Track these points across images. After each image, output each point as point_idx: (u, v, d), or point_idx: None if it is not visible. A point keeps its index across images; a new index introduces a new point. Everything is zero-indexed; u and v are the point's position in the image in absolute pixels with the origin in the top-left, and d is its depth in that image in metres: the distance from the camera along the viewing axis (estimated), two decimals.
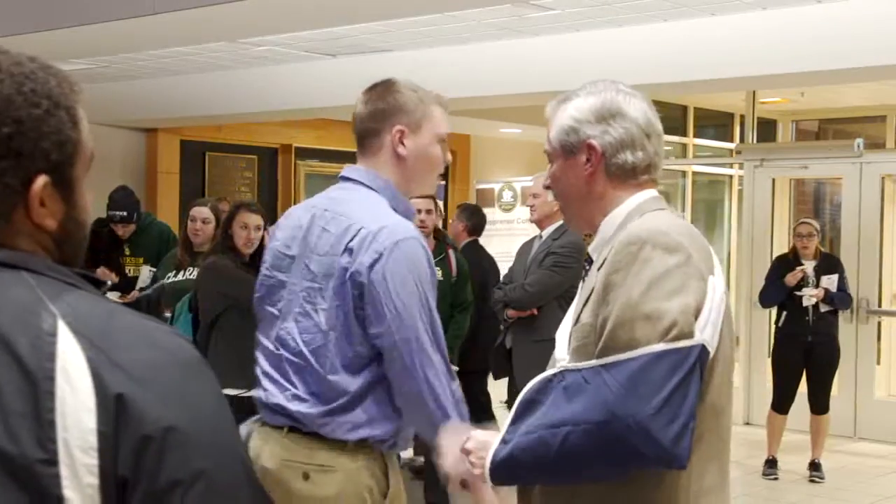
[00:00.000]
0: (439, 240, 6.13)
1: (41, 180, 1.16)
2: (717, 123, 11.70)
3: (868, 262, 8.37)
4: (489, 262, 6.68)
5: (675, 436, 1.69)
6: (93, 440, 1.06)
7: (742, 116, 10.30)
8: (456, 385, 2.45)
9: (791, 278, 6.96)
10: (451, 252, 6.13)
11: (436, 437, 2.22)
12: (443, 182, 11.66)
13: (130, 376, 1.08)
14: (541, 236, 5.48)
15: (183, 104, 9.28)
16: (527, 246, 5.65)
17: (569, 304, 2.12)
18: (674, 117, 10.88)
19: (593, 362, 1.78)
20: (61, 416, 1.06)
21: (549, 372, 1.88)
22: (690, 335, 1.75)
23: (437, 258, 5.81)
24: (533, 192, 5.44)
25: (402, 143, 2.51)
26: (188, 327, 5.34)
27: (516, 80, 7.36)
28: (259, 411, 2.56)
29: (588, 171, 1.98)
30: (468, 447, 1.94)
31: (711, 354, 1.80)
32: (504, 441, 1.84)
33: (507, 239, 9.95)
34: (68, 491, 1.05)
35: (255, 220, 5.25)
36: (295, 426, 2.47)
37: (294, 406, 2.45)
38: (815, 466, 7.07)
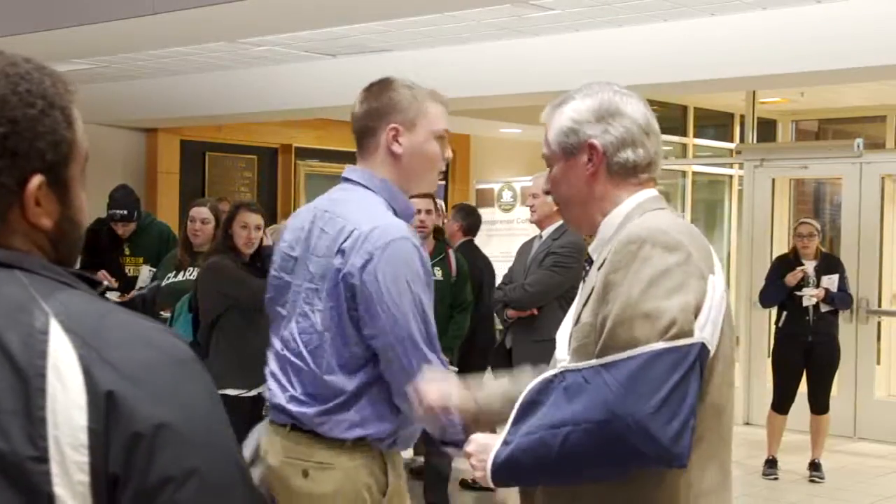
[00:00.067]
0: (439, 240, 6.13)
1: (36, 180, 1.17)
2: (717, 123, 11.69)
3: (868, 262, 8.37)
4: (484, 263, 6.68)
5: (674, 434, 1.69)
6: (83, 437, 1.06)
7: (742, 116, 10.30)
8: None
9: (791, 278, 6.96)
10: (450, 252, 6.13)
11: (439, 433, 2.24)
12: (443, 182, 11.67)
13: (122, 374, 1.08)
14: (541, 236, 5.48)
15: (183, 104, 9.28)
16: (527, 246, 5.65)
17: (569, 305, 2.12)
18: (674, 117, 10.87)
19: (593, 362, 1.78)
20: (52, 413, 1.06)
21: (549, 373, 1.88)
22: (690, 333, 1.75)
23: (436, 258, 5.82)
24: (532, 192, 5.45)
25: (397, 142, 2.51)
26: (188, 327, 5.34)
27: (516, 80, 7.36)
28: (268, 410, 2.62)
29: (590, 171, 1.98)
30: (469, 449, 1.94)
31: (711, 353, 1.80)
32: (505, 442, 1.84)
33: (507, 239, 9.95)
34: (59, 488, 1.05)
35: (256, 219, 5.26)
36: (296, 424, 2.50)
37: (292, 407, 2.49)
38: (815, 466, 7.08)
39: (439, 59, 7.50)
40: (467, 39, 7.30)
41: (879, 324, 8.79)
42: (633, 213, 1.95)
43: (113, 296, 6.29)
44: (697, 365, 1.75)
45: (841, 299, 7.06)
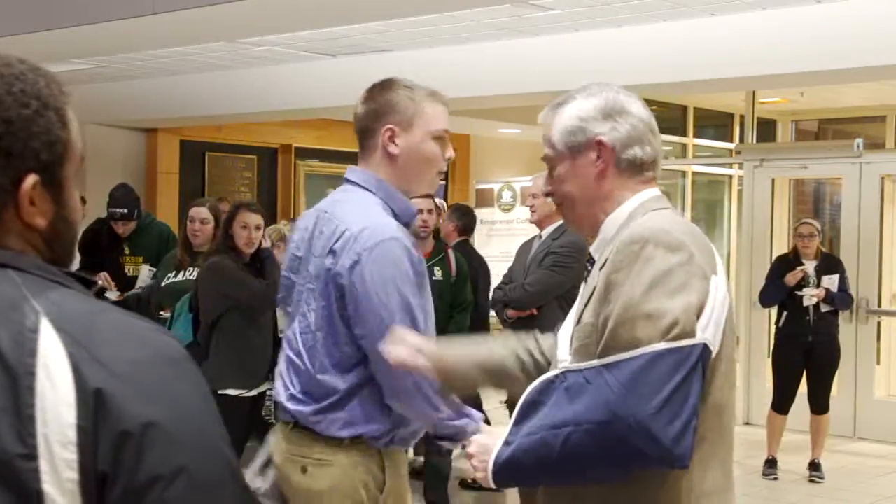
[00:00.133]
0: (438, 240, 6.13)
1: (31, 179, 1.18)
2: (716, 123, 11.69)
3: (868, 262, 8.37)
4: (479, 263, 6.69)
5: (676, 435, 1.68)
6: (72, 435, 1.06)
7: (742, 116, 10.30)
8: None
9: (791, 278, 6.96)
10: (450, 252, 6.13)
11: (432, 430, 2.32)
12: (443, 182, 11.67)
13: (112, 372, 1.09)
14: (540, 236, 5.48)
15: (183, 104, 9.28)
16: (526, 246, 5.65)
17: (569, 305, 2.12)
18: (674, 117, 10.87)
19: (594, 362, 1.78)
20: (41, 411, 1.07)
21: (551, 373, 1.88)
22: (692, 334, 1.74)
23: (436, 258, 5.82)
24: (532, 192, 5.44)
25: (394, 142, 2.53)
26: (188, 327, 5.34)
27: (516, 80, 7.37)
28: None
29: (599, 168, 1.97)
30: (470, 450, 1.94)
31: (714, 353, 1.80)
32: (507, 443, 1.84)
33: (506, 239, 9.95)
34: (48, 486, 1.06)
35: (256, 219, 5.26)
36: (297, 422, 2.55)
37: (291, 405, 2.55)
38: (814, 466, 7.07)
39: (439, 59, 7.51)
40: (467, 39, 7.31)
41: (879, 324, 8.78)
42: (636, 213, 1.94)
43: (112, 296, 6.29)
44: (699, 366, 1.74)
45: (841, 299, 7.06)
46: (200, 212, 5.83)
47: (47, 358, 1.08)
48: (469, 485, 6.41)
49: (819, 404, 7.07)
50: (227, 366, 5.17)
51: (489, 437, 1.92)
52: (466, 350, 2.28)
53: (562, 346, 1.98)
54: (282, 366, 2.64)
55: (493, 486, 1.91)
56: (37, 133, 1.18)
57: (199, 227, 5.78)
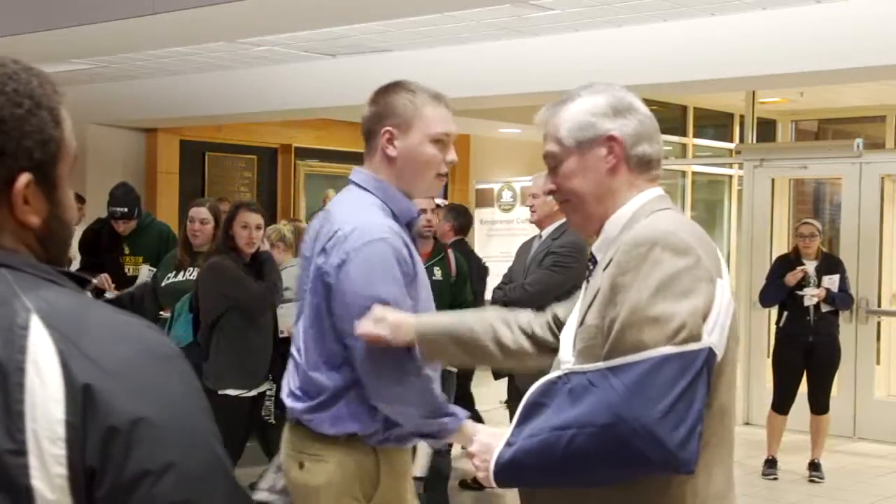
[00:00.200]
0: (438, 240, 6.13)
1: (24, 178, 1.18)
2: (716, 123, 11.70)
3: (868, 262, 8.37)
4: (475, 262, 6.71)
5: (681, 440, 1.67)
6: (60, 431, 1.07)
7: (742, 116, 10.30)
8: (426, 380, 2.46)
9: (791, 278, 6.96)
10: (450, 252, 6.13)
11: (414, 429, 2.41)
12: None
13: (101, 368, 1.09)
14: (540, 236, 5.47)
15: (182, 104, 9.28)
16: (526, 246, 5.64)
17: None
18: (674, 117, 10.88)
19: (599, 364, 1.77)
20: (31, 407, 1.07)
21: (553, 374, 1.87)
22: (698, 338, 1.73)
23: (435, 258, 5.82)
24: (532, 192, 5.44)
25: (392, 144, 2.57)
26: (188, 327, 5.34)
27: (516, 80, 7.36)
28: None
29: (610, 164, 1.96)
30: (472, 450, 1.94)
31: (719, 358, 1.79)
32: (508, 443, 1.84)
33: (506, 239, 9.95)
34: (37, 482, 1.06)
35: (256, 219, 5.26)
36: (297, 419, 2.60)
37: (289, 402, 2.61)
38: (814, 466, 7.07)
39: (439, 59, 7.50)
40: (467, 39, 7.30)
41: (879, 324, 8.78)
42: (640, 213, 1.93)
43: (109, 296, 6.31)
44: (705, 370, 1.73)
45: (842, 299, 7.06)
46: (200, 212, 5.83)
47: (37, 354, 1.09)
48: (469, 485, 6.41)
49: (819, 404, 7.08)
50: (227, 366, 5.17)
51: (491, 437, 1.91)
52: (445, 324, 2.32)
53: (564, 347, 1.97)
54: (289, 363, 2.69)
55: (494, 486, 1.90)
56: (30, 132, 1.18)
57: (198, 227, 5.78)
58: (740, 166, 9.56)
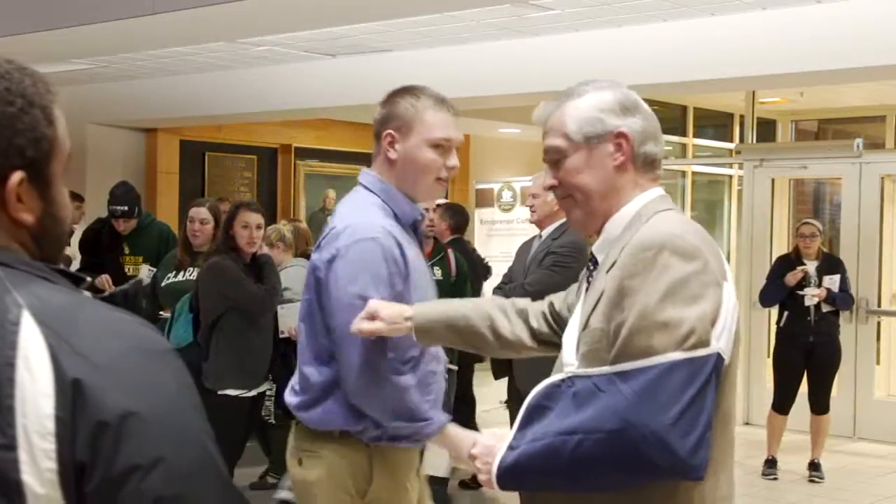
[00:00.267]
0: (437, 239, 6.14)
1: (17, 176, 1.19)
2: (716, 123, 11.70)
3: (868, 262, 8.37)
4: (477, 260, 6.74)
5: (691, 447, 1.66)
6: (50, 425, 1.08)
7: (742, 116, 10.30)
8: (403, 383, 2.47)
9: (791, 278, 6.96)
10: (450, 252, 6.14)
11: (392, 431, 2.46)
12: None
13: (91, 363, 1.10)
14: (540, 236, 5.47)
15: (182, 104, 9.28)
16: (526, 245, 5.64)
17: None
18: (674, 117, 10.88)
19: (605, 369, 1.75)
20: (20, 402, 1.08)
21: (556, 377, 1.85)
22: (707, 343, 1.72)
23: (435, 258, 5.84)
24: (532, 192, 5.44)
25: (393, 147, 2.61)
26: (188, 327, 5.34)
27: (516, 80, 7.36)
28: None
29: (618, 161, 1.95)
30: (474, 453, 1.92)
31: (727, 362, 1.77)
32: (511, 447, 1.82)
33: (506, 239, 9.96)
34: (27, 476, 1.07)
35: (256, 218, 5.26)
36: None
37: (288, 397, 2.65)
38: (814, 466, 7.07)
39: (439, 59, 7.50)
40: (467, 39, 7.30)
41: (879, 324, 8.78)
42: (643, 212, 1.92)
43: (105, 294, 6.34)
44: (714, 376, 1.72)
45: (842, 299, 7.06)
46: (200, 212, 5.83)
47: (27, 350, 1.10)
48: (469, 485, 6.41)
49: (819, 404, 7.07)
50: (227, 366, 5.17)
51: (493, 440, 1.89)
52: (442, 313, 2.31)
53: (567, 350, 1.94)
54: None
55: (496, 489, 1.89)
56: (22, 130, 1.19)
57: (198, 227, 5.78)
58: (740, 166, 9.56)
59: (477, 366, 6.90)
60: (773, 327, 7.64)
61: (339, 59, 8.08)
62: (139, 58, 8.07)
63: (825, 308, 7.00)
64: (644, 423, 1.66)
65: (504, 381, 5.66)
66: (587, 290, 1.97)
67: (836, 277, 7.03)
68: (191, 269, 5.71)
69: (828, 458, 7.25)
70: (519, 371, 5.25)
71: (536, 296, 5.48)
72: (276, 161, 11.56)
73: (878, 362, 8.73)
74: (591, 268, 1.98)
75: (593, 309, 1.87)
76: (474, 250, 7.62)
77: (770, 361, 7.60)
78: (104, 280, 6.56)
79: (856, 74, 6.72)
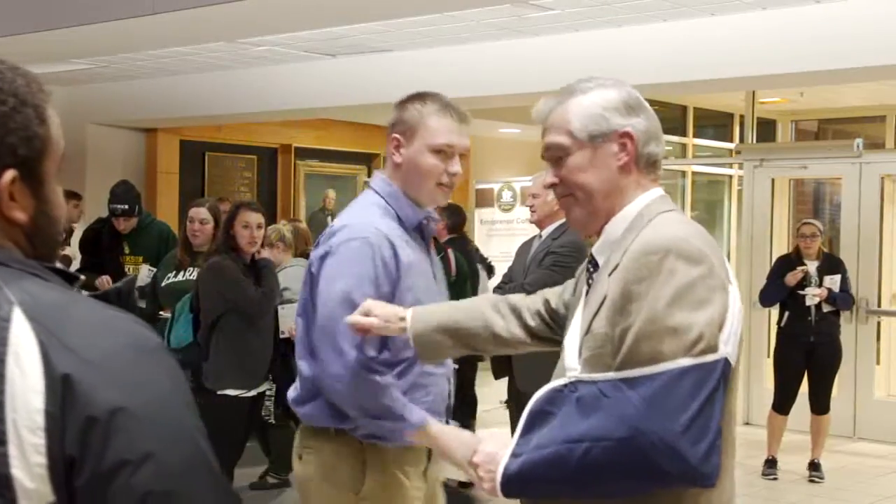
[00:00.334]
0: (436, 239, 6.14)
1: (9, 174, 1.20)
2: (716, 123, 11.70)
3: (868, 262, 8.37)
4: (479, 259, 6.76)
5: (703, 454, 1.64)
6: (40, 420, 1.08)
7: (742, 116, 10.30)
8: (379, 382, 2.47)
9: (791, 278, 6.96)
10: (450, 252, 6.14)
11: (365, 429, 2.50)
12: None
13: (81, 358, 1.10)
14: (540, 236, 5.47)
15: (182, 104, 9.28)
16: (526, 245, 5.64)
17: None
18: (674, 117, 10.88)
19: (611, 375, 1.72)
20: (10, 397, 1.09)
21: (559, 381, 1.83)
22: (715, 349, 1.70)
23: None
24: (532, 192, 5.44)
25: (398, 151, 2.65)
26: (188, 327, 5.34)
27: (516, 80, 7.36)
28: None
29: (622, 161, 1.91)
30: (476, 460, 1.89)
31: (733, 366, 1.76)
32: (514, 454, 1.79)
33: (506, 239, 9.96)
34: (17, 470, 1.08)
35: (257, 218, 5.26)
36: None
37: (288, 393, 2.69)
38: (814, 466, 7.07)
39: (439, 59, 7.50)
40: (467, 39, 7.30)
41: (879, 324, 8.78)
42: (645, 213, 1.89)
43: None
44: (722, 382, 1.70)
45: (843, 299, 7.06)
46: (200, 212, 5.83)
47: (18, 346, 1.10)
48: (467, 485, 6.40)
49: (820, 404, 7.07)
50: (227, 366, 5.17)
51: (495, 446, 1.86)
52: (437, 316, 2.29)
53: (569, 354, 1.91)
54: None
55: (500, 496, 1.85)
56: (14, 129, 1.20)
57: (198, 227, 5.78)
58: (740, 166, 9.56)
59: (478, 365, 6.90)
60: (774, 327, 7.64)
61: (339, 59, 8.08)
62: (139, 58, 8.07)
63: (826, 308, 6.99)
64: (653, 430, 1.63)
65: (504, 381, 5.66)
66: (588, 292, 1.94)
67: (837, 277, 7.03)
68: (191, 269, 5.72)
69: (828, 458, 7.25)
70: (519, 371, 5.25)
71: None
72: (276, 161, 11.56)
73: (878, 362, 8.73)
74: (591, 270, 1.96)
75: (596, 313, 1.84)
76: (477, 249, 7.64)
77: (770, 361, 7.60)
78: (104, 281, 6.56)
79: (856, 74, 6.72)
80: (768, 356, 7.87)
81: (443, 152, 2.62)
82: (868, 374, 8.39)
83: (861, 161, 8.42)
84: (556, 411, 1.78)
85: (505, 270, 5.89)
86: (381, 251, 2.52)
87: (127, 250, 6.94)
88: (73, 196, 8.26)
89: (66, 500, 1.09)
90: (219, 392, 5.11)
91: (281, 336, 5.56)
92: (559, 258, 5.26)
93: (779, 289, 7.08)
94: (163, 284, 5.84)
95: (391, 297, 2.49)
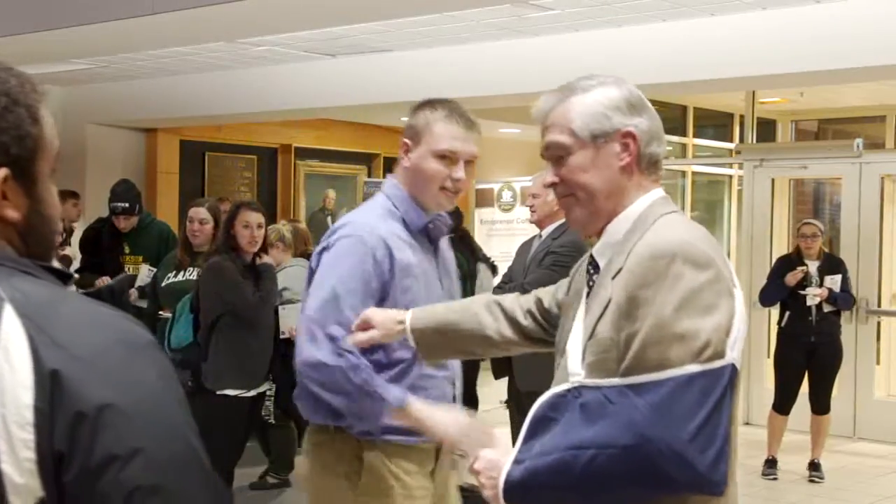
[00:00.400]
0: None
1: (1, 173, 1.20)
2: (716, 123, 11.69)
3: (868, 262, 8.37)
4: (481, 258, 6.77)
5: (711, 462, 1.63)
6: (29, 416, 1.09)
7: (742, 116, 10.30)
8: (349, 358, 2.49)
9: (791, 278, 6.96)
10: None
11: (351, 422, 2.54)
12: None
13: (70, 355, 1.11)
14: (540, 235, 5.47)
15: (182, 104, 9.28)
16: (526, 245, 5.64)
17: None
18: (674, 117, 10.87)
19: (616, 381, 1.70)
20: (0, 392, 1.09)
21: (562, 387, 1.80)
22: (723, 355, 1.68)
23: None
24: (532, 192, 5.44)
25: (406, 156, 2.71)
26: (188, 327, 5.33)
27: (516, 80, 7.36)
28: None
29: (624, 162, 1.88)
30: (477, 467, 1.85)
31: (739, 371, 1.74)
32: (517, 461, 1.76)
33: (506, 239, 9.96)
34: (6, 465, 1.08)
35: (257, 218, 5.26)
36: None
37: (295, 392, 2.71)
38: (814, 466, 7.07)
39: (439, 59, 7.50)
40: (467, 39, 7.30)
41: (879, 324, 8.78)
42: (646, 215, 1.86)
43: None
44: (729, 388, 1.68)
45: (843, 299, 7.06)
46: (200, 212, 5.83)
47: (8, 342, 1.11)
48: (464, 489, 6.40)
49: (820, 404, 7.07)
50: (226, 366, 5.17)
51: (497, 452, 1.84)
52: (433, 317, 2.29)
53: (572, 359, 1.87)
54: None
55: (502, 502, 1.81)
56: (5, 128, 1.20)
57: (198, 227, 5.78)
58: (740, 166, 9.56)
59: (479, 365, 6.90)
60: (774, 327, 7.64)
61: (339, 59, 8.09)
62: (139, 58, 8.07)
63: (826, 308, 6.99)
64: (661, 438, 1.61)
65: (504, 381, 5.66)
66: (588, 295, 1.91)
67: (838, 277, 7.03)
68: (191, 269, 5.72)
69: (828, 458, 7.25)
70: (519, 371, 5.25)
71: None
72: (276, 161, 11.56)
73: (878, 362, 8.73)
74: (592, 271, 1.92)
75: (600, 317, 1.80)
76: (480, 248, 7.63)
77: (770, 361, 7.59)
78: (104, 282, 6.57)
79: (856, 74, 6.72)
80: (768, 356, 7.87)
81: (447, 158, 2.65)
82: (868, 374, 8.39)
83: (861, 161, 8.42)
84: (558, 417, 1.75)
85: (505, 270, 5.89)
86: (375, 251, 2.57)
87: (127, 250, 6.94)
88: (71, 195, 8.26)
89: (55, 496, 1.09)
90: (218, 392, 5.11)
91: (281, 336, 5.56)
92: (559, 258, 5.26)
93: (779, 289, 7.08)
94: (163, 284, 5.84)
95: (380, 294, 2.55)
